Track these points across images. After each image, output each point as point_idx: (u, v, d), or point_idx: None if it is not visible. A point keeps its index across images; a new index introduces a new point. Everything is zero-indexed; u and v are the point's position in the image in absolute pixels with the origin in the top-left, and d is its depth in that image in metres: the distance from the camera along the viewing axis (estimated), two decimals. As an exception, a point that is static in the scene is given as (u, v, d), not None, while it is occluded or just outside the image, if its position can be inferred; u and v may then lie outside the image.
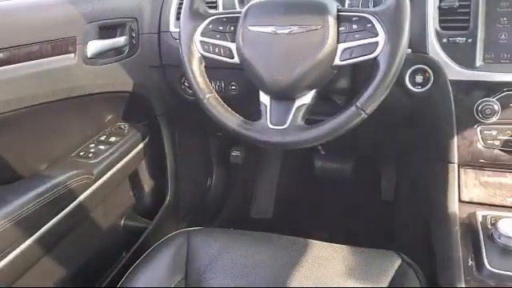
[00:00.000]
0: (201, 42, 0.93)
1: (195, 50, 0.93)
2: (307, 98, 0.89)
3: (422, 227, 1.14)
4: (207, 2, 0.98)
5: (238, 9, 1.15)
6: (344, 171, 1.71)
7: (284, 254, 0.96)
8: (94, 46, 1.11)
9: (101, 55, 1.14)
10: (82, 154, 1.19)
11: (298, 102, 0.89)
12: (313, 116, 0.90)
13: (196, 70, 0.93)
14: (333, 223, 1.61)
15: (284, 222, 1.71)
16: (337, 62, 0.84)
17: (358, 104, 0.82)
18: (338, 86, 1.02)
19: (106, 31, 1.15)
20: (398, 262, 0.91)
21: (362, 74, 0.98)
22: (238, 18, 0.90)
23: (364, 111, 0.81)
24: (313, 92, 0.89)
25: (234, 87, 1.15)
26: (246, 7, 0.90)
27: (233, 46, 0.90)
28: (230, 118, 0.92)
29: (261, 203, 1.82)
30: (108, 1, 1.18)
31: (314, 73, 0.85)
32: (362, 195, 1.73)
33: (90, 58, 1.10)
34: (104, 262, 1.28)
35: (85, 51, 1.09)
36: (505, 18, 0.91)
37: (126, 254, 1.34)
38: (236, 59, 0.91)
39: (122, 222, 1.36)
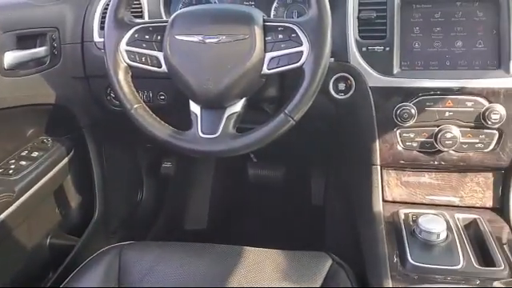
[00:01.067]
0: (126, 51, 0.91)
1: (121, 59, 0.91)
2: (237, 107, 0.90)
3: (350, 228, 1.19)
4: (132, 12, 0.96)
5: (164, 18, 1.14)
6: (276, 177, 1.74)
7: (219, 263, 0.96)
8: (12, 57, 1.05)
9: (20, 66, 1.08)
10: (1, 170, 1.12)
11: (229, 111, 0.89)
12: (244, 124, 0.91)
13: (122, 80, 0.91)
14: (267, 229, 1.63)
15: (219, 231, 1.71)
16: (265, 70, 0.86)
17: (286, 111, 0.84)
18: (267, 95, 1.04)
19: (25, 41, 1.10)
20: (329, 262, 0.94)
21: (289, 82, 1.01)
22: (164, 27, 0.90)
23: (292, 118, 0.84)
24: (243, 100, 0.90)
25: (162, 97, 1.14)
26: (172, 16, 0.90)
27: (160, 55, 0.90)
28: (160, 128, 0.91)
29: (194, 214, 1.80)
30: (26, 10, 1.12)
31: (244, 81, 0.86)
32: (293, 200, 1.77)
33: (8, 70, 1.04)
34: (29, 283, 1.20)
35: (1, 62, 1.03)
36: (417, 28, 0.98)
37: (52, 275, 1.27)
38: (164, 68, 0.90)
39: (48, 240, 1.29)
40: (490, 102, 0.94)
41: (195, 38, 0.86)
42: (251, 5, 1.14)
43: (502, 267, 0.84)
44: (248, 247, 1.00)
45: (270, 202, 1.80)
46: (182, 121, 0.92)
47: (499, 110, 0.93)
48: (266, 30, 0.86)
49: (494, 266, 0.85)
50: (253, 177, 1.75)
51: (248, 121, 0.92)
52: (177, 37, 0.87)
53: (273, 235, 1.43)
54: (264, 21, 0.87)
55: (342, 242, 1.33)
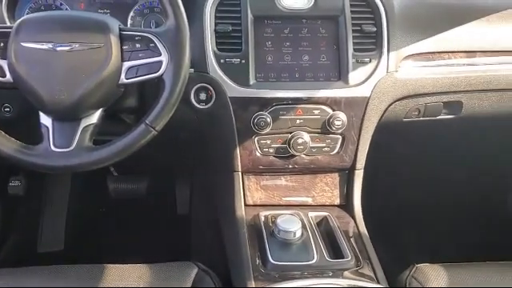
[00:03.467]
0: None
1: None
2: (94, 118, 0.86)
3: (216, 234, 1.22)
4: (-32, 15, 0.87)
5: (8, 23, 1.05)
6: (139, 190, 1.70)
7: (79, 284, 0.91)
8: None
9: None
10: None
11: (85, 122, 0.86)
12: (103, 137, 0.88)
13: None
14: (131, 244, 1.58)
15: (79, 251, 1.60)
16: (122, 80, 0.84)
17: (147, 122, 0.83)
18: (127, 105, 1.02)
19: None
20: (195, 270, 0.95)
21: (150, 92, 1.00)
22: (8, 33, 0.82)
23: (154, 128, 0.84)
24: (99, 111, 0.87)
25: (7, 109, 1.04)
26: (18, 22, 0.83)
27: (4, 63, 0.82)
28: (5, 143, 0.83)
29: (50, 235, 1.67)
30: None
31: (100, 91, 0.83)
32: (158, 211, 1.74)
33: None
34: None
35: None
36: (269, 43, 1.05)
37: None
38: (8, 78, 0.83)
39: None
40: (333, 109, 1.05)
41: (44, 46, 0.81)
42: (106, 13, 1.11)
43: (349, 258, 0.94)
44: (110, 264, 0.96)
45: (134, 215, 1.75)
46: (32, 134, 0.85)
47: (341, 117, 1.04)
48: (123, 38, 0.84)
49: (342, 257, 0.94)
50: (114, 191, 1.68)
51: (107, 132, 0.89)
52: (23, 44, 0.81)
53: (138, 249, 1.39)
54: (120, 29, 0.85)
55: (209, 249, 1.35)
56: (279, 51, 1.05)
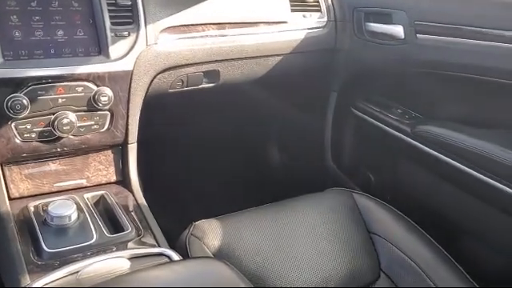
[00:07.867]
0: None
1: None
2: None
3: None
4: None
5: None
6: None
7: None
8: None
9: None
10: None
11: None
12: None
13: None
14: None
15: None
16: None
17: None
18: None
19: None
20: None
21: None
22: None
23: None
24: None
25: None
26: None
27: None
28: None
29: None
30: None
31: None
32: None
33: None
34: None
35: None
36: (15, 17, 0.95)
37: None
38: None
39: None
40: (97, 85, 1.02)
41: None
42: None
43: (130, 230, 0.96)
44: None
45: None
46: None
47: (107, 93, 1.02)
48: None
49: (123, 230, 0.95)
50: None
51: None
52: None
53: None
54: None
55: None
56: (28, 26, 0.96)
